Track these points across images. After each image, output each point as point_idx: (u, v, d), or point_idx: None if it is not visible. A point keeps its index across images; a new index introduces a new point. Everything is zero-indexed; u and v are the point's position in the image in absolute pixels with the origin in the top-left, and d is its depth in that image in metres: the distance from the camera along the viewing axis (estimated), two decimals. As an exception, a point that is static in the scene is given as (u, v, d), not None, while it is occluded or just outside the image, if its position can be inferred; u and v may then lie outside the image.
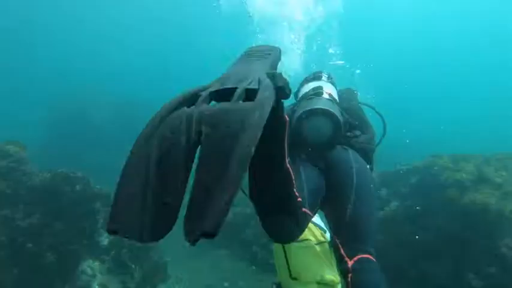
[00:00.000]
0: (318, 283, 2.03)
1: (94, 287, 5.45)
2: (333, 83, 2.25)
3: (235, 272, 7.24)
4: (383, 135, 2.30)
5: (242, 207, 8.88)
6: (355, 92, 2.43)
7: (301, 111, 1.86)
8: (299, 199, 1.33)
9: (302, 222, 1.45)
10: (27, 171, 5.31)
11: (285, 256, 2.10)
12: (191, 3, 23.89)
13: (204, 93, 0.85)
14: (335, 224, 1.86)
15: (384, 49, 26.66)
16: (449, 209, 4.62)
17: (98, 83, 22.28)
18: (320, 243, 2.17)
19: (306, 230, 2.05)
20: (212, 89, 0.87)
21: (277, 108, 0.90)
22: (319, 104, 1.86)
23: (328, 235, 2.22)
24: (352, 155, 1.95)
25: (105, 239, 5.94)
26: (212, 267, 7.37)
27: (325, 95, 2.00)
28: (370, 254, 1.66)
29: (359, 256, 1.63)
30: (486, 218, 4.26)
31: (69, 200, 5.40)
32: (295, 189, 1.25)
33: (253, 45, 1.24)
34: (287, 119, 1.01)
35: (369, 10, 22.49)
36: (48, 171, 5.53)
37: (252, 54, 1.13)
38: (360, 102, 2.37)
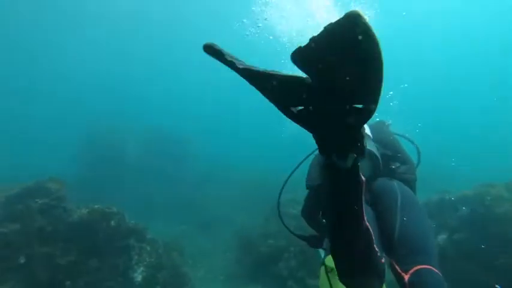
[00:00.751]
0: None
1: (128, 325, 5.37)
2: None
3: (271, 309, 6.91)
4: (417, 164, 2.36)
5: (275, 239, 8.63)
6: (387, 123, 2.49)
7: None
8: (378, 254, 1.29)
9: (383, 274, 1.39)
10: (66, 208, 5.47)
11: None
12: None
13: None
14: (387, 245, 1.78)
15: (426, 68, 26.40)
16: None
17: (134, 116, 23.36)
18: None
19: None
20: None
21: (353, 169, 0.93)
22: None
23: None
24: (395, 182, 2.01)
25: (139, 275, 5.90)
26: (246, 304, 7.09)
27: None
28: (431, 265, 1.54)
29: (416, 268, 1.53)
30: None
31: (104, 235, 5.46)
32: (375, 246, 1.21)
33: None
34: (363, 179, 1.00)
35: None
36: (86, 207, 5.67)
37: None
38: (394, 133, 2.43)
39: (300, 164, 2.74)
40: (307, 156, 2.67)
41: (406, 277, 1.54)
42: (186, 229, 12.05)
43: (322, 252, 2.74)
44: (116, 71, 29.64)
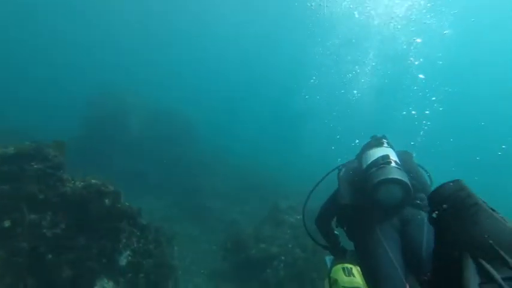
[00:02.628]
0: None
1: (104, 310, 5.13)
2: (392, 148, 2.53)
3: (251, 316, 6.69)
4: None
5: (267, 244, 8.39)
6: (411, 153, 2.69)
7: (377, 180, 2.20)
8: None
9: None
10: (62, 177, 5.17)
11: None
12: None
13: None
14: (415, 263, 2.02)
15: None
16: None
17: (139, 87, 22.95)
18: None
19: (356, 277, 2.47)
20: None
21: None
22: (392, 174, 2.20)
23: None
24: (422, 212, 2.24)
25: (124, 260, 5.63)
26: (227, 306, 6.86)
27: (393, 164, 2.30)
28: None
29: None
30: None
31: (96, 214, 5.17)
32: None
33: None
34: None
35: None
36: (82, 180, 5.37)
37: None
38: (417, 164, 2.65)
39: (325, 177, 2.91)
40: (332, 170, 2.85)
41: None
42: (178, 213, 11.81)
43: (328, 260, 2.85)
44: (133, 41, 29.20)
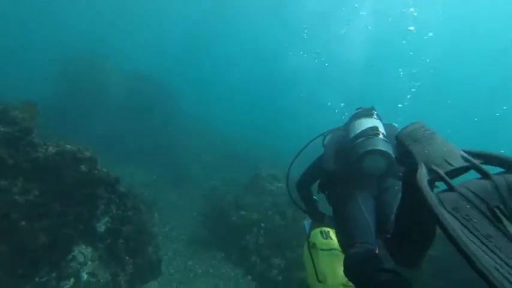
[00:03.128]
0: (344, 286, 2.31)
1: (82, 275, 5.07)
2: (381, 120, 2.57)
3: (230, 279, 6.85)
4: None
5: (247, 211, 8.49)
6: (396, 127, 2.69)
7: (364, 150, 2.27)
8: None
9: None
10: (32, 142, 4.87)
11: (313, 262, 2.52)
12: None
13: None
14: (383, 225, 2.15)
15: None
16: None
17: (115, 52, 21.73)
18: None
19: (333, 240, 2.64)
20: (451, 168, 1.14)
21: None
22: (379, 146, 2.26)
23: None
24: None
25: (102, 226, 5.54)
26: (206, 271, 6.98)
27: (381, 136, 2.35)
28: None
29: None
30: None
31: (72, 180, 4.98)
32: None
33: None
34: None
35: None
36: (55, 146, 5.09)
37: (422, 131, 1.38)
38: None
39: (310, 142, 3.01)
40: (318, 136, 2.92)
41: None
42: (158, 180, 11.69)
43: (306, 225, 3.01)
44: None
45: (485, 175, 1.07)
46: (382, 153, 2.25)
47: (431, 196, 1.00)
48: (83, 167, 5.15)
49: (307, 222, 3.04)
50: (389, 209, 2.19)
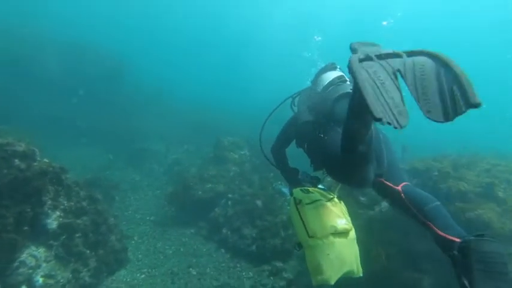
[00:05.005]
0: (333, 234, 2.36)
1: (36, 280, 4.49)
2: (344, 72, 2.65)
3: (203, 255, 6.59)
4: None
5: (213, 183, 8.12)
6: None
7: (335, 96, 2.36)
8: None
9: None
10: None
11: (301, 218, 2.46)
12: None
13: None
14: (377, 170, 2.17)
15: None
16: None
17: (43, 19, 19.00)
18: (329, 200, 2.62)
19: (314, 193, 2.66)
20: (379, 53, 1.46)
21: None
22: (348, 89, 2.34)
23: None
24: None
25: (53, 222, 4.88)
26: (177, 251, 6.65)
27: (348, 82, 2.48)
28: (409, 183, 2.12)
29: (403, 184, 2.08)
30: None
31: (6, 179, 4.21)
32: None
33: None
34: None
35: None
36: (-24, 139, 4.22)
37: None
38: None
39: (280, 104, 2.98)
40: (287, 98, 2.97)
41: (399, 187, 2.05)
42: (114, 160, 10.83)
43: (282, 188, 3.03)
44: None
45: (398, 55, 1.43)
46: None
47: (355, 60, 1.38)
48: (17, 161, 4.37)
49: (282, 185, 3.09)
50: (377, 147, 2.24)
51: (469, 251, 1.41)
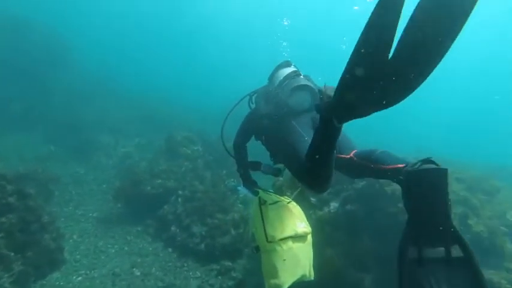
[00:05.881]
0: (292, 238, 2.36)
1: None
2: (298, 69, 2.76)
3: (149, 255, 6.21)
4: None
5: (163, 178, 7.71)
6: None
7: (290, 88, 2.43)
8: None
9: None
10: None
11: (262, 220, 2.44)
12: None
13: None
14: None
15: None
16: (387, 223, 4.39)
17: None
18: (289, 202, 2.66)
19: (274, 195, 2.73)
20: None
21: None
22: (302, 82, 2.46)
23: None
24: None
25: (-31, 221, 4.25)
26: (121, 250, 6.19)
27: (302, 76, 2.61)
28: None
29: (354, 151, 2.10)
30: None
31: None
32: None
33: None
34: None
35: None
36: None
37: None
38: None
39: (238, 103, 2.98)
40: (245, 96, 2.98)
41: (350, 155, 2.07)
42: (56, 151, 9.88)
43: (240, 188, 2.96)
44: None
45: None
46: (306, 88, 2.45)
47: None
48: None
49: (235, 183, 2.94)
50: None
51: (411, 174, 1.44)
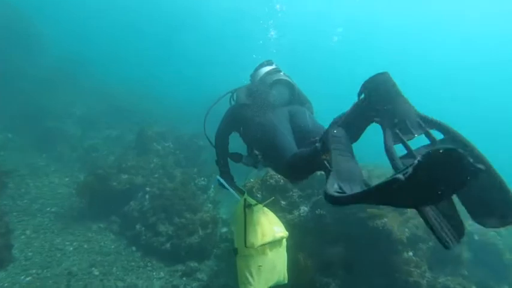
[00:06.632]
0: (270, 244, 2.38)
1: None
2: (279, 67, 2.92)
3: (110, 253, 5.85)
4: None
5: (131, 174, 7.35)
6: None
7: (270, 82, 2.61)
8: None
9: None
10: None
11: (245, 224, 2.41)
12: None
13: None
14: (302, 137, 2.31)
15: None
16: (357, 229, 4.40)
17: None
18: (266, 204, 2.67)
19: (248, 196, 2.71)
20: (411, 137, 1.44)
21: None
22: (282, 77, 2.64)
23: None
24: (305, 108, 2.61)
25: None
26: (80, 247, 5.78)
27: (282, 73, 2.75)
28: None
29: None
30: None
31: None
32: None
33: None
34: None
35: None
36: None
37: None
38: None
39: (218, 100, 2.95)
40: (226, 94, 2.97)
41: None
42: (13, 139, 9.14)
43: (223, 182, 2.83)
44: None
45: (433, 141, 1.37)
46: (285, 83, 2.60)
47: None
48: None
49: (232, 190, 2.85)
50: (304, 122, 2.39)
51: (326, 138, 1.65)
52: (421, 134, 1.39)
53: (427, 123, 1.41)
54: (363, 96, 1.63)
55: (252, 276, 2.30)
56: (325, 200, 1.22)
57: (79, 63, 15.48)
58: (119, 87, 15.32)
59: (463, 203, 1.25)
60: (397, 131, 1.38)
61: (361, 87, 1.62)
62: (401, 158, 1.34)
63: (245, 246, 2.34)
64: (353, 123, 1.67)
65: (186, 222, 6.18)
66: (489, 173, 1.21)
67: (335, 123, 1.77)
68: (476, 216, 1.24)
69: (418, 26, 24.51)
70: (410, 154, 1.32)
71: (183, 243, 5.92)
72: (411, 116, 1.43)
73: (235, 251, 2.42)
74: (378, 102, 1.51)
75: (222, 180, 2.79)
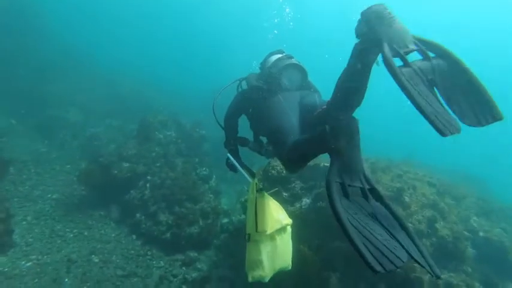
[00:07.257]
0: (278, 230, 2.41)
1: None
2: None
3: (110, 241, 5.82)
4: None
5: (132, 162, 7.27)
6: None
7: (282, 65, 2.57)
8: None
9: None
10: None
11: (256, 209, 2.38)
12: None
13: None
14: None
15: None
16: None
17: None
18: (272, 192, 2.65)
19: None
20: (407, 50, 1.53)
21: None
22: (294, 61, 2.61)
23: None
24: (316, 93, 2.55)
25: None
26: (80, 235, 5.75)
27: (293, 59, 2.67)
28: None
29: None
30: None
31: None
32: None
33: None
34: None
35: None
36: None
37: None
38: None
39: (227, 86, 2.97)
40: (235, 81, 3.00)
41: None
42: (17, 126, 9.09)
43: (247, 176, 2.73)
44: None
45: (427, 57, 1.54)
46: (297, 67, 2.57)
47: (400, 71, 1.40)
48: None
49: (246, 174, 2.74)
50: (313, 102, 2.37)
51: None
52: (416, 50, 1.53)
53: (421, 42, 1.56)
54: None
55: (262, 261, 2.30)
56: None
57: (82, 50, 15.36)
58: (122, 75, 15.18)
59: (450, 106, 1.44)
60: (395, 46, 1.50)
61: (357, 24, 1.66)
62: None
63: (256, 231, 2.33)
64: (357, 70, 1.70)
65: (186, 212, 6.12)
66: (470, 79, 1.44)
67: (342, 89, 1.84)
68: (462, 117, 1.41)
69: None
70: (406, 65, 1.47)
71: (183, 232, 5.87)
72: (407, 37, 1.54)
73: (248, 237, 2.38)
74: (376, 25, 1.57)
75: (232, 158, 2.73)
